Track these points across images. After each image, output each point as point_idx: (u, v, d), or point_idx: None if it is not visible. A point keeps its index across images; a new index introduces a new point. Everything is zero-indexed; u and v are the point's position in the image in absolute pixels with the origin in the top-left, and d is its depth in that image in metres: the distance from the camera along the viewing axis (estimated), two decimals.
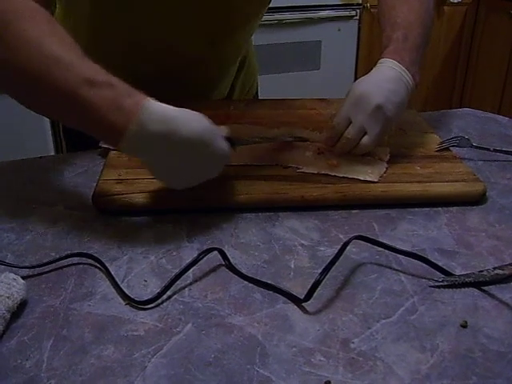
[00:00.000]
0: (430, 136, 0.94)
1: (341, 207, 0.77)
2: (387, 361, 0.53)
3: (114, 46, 0.96)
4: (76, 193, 0.81)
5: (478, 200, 0.79)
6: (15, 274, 0.60)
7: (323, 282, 0.61)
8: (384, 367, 0.52)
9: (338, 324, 0.57)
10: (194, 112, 0.70)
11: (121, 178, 0.79)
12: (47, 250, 0.68)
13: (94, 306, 0.60)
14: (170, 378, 0.51)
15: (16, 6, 0.70)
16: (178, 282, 0.62)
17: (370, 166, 0.83)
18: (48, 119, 2.04)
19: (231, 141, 0.74)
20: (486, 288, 0.63)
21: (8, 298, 0.56)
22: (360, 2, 2.68)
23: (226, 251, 0.66)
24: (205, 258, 0.65)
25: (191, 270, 0.64)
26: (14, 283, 0.58)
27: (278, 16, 2.55)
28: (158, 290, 0.61)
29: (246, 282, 0.63)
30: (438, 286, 0.63)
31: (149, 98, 0.68)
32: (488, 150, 0.90)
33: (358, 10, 2.70)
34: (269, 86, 2.46)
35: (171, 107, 0.69)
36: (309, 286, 0.60)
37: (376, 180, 0.80)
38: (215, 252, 0.66)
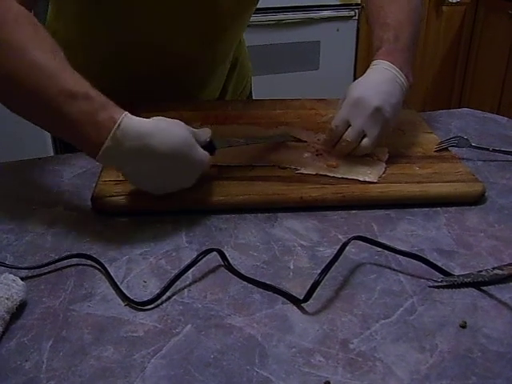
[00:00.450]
0: (429, 136, 0.94)
1: (340, 208, 0.77)
2: (386, 361, 0.53)
3: (103, 46, 0.97)
4: (75, 194, 0.81)
5: (477, 200, 0.79)
6: (14, 275, 0.60)
7: (322, 282, 0.61)
8: (383, 367, 0.52)
9: (338, 324, 0.57)
10: (171, 122, 0.71)
11: (120, 179, 0.79)
12: (46, 251, 0.68)
13: (93, 306, 0.60)
14: (170, 378, 0.51)
15: (0, 11, 0.70)
16: (177, 283, 0.62)
17: (369, 166, 0.83)
18: None
19: (213, 144, 0.75)
20: (485, 288, 0.63)
21: (7, 299, 0.56)
22: (359, 2, 2.68)
23: (225, 252, 0.66)
24: (204, 259, 0.66)
25: (190, 270, 0.64)
26: (14, 284, 0.58)
27: (276, 16, 2.55)
28: (158, 291, 0.61)
29: (245, 283, 0.63)
30: (437, 287, 0.63)
31: (124, 112, 0.69)
32: (487, 150, 0.90)
33: (356, 10, 2.70)
34: (267, 86, 2.48)
35: (146, 121, 0.69)
36: (308, 287, 0.60)
37: (375, 180, 0.80)
38: (214, 253, 0.66)
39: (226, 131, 0.90)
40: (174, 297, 0.61)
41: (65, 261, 0.66)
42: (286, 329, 0.57)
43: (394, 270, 0.66)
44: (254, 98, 1.29)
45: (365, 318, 0.58)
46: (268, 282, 0.62)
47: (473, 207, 0.78)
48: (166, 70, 1.00)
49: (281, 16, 2.56)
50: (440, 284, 0.63)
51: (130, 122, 0.68)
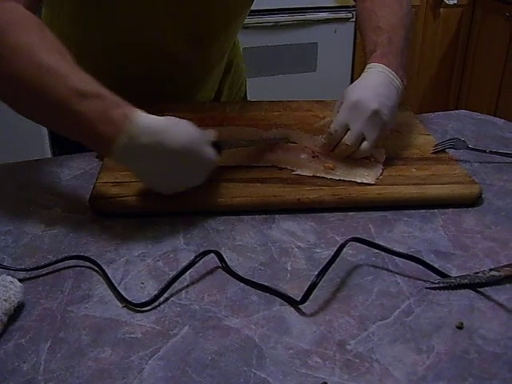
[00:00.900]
0: (426, 138, 0.94)
1: (337, 209, 0.77)
2: (383, 362, 0.53)
3: (98, 46, 0.97)
4: (73, 195, 0.81)
5: (473, 202, 0.79)
6: (12, 276, 0.60)
7: (320, 284, 0.61)
8: (380, 369, 0.53)
9: (335, 326, 0.58)
10: (182, 120, 0.72)
11: (118, 180, 0.79)
12: (44, 252, 0.68)
13: (91, 308, 0.60)
14: (168, 380, 0.51)
15: (6, 13, 0.70)
16: (174, 285, 0.63)
17: (367, 168, 0.83)
18: None
19: (218, 145, 0.76)
20: (481, 289, 0.63)
21: (5, 300, 0.56)
22: None
23: (222, 253, 0.66)
24: (202, 261, 0.66)
25: (188, 272, 0.64)
26: (11, 286, 0.58)
27: (274, 18, 2.55)
28: (155, 293, 0.61)
29: (242, 285, 0.63)
30: (434, 288, 0.63)
31: (137, 109, 0.69)
32: (484, 151, 0.90)
33: (353, 12, 2.69)
34: (265, 88, 2.48)
35: (159, 118, 0.70)
36: (305, 288, 0.60)
37: (372, 182, 0.80)
38: (212, 254, 0.66)
39: (224, 133, 0.90)
40: (172, 298, 0.61)
41: (62, 262, 0.66)
42: (284, 330, 0.57)
43: (391, 271, 0.66)
44: (251, 99, 1.30)
45: (362, 319, 0.58)
46: (265, 284, 0.63)
47: (470, 209, 0.78)
48: (160, 71, 1.00)
49: (278, 18, 2.57)
50: (437, 285, 0.63)
51: (144, 118, 0.69)
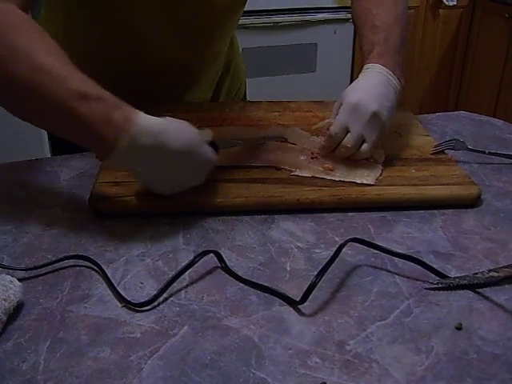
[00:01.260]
0: (426, 139, 0.94)
1: (336, 210, 0.77)
2: (382, 363, 0.53)
3: (90, 46, 0.97)
4: (72, 195, 0.81)
5: (473, 203, 0.79)
6: (12, 276, 0.60)
7: (319, 284, 0.61)
8: (379, 369, 0.53)
9: (334, 326, 0.58)
10: (181, 121, 0.72)
11: (117, 180, 0.79)
12: (44, 252, 0.68)
13: (90, 308, 0.60)
14: (167, 380, 0.51)
15: (2, 15, 0.70)
16: (174, 285, 0.63)
17: (366, 168, 0.83)
18: None
19: (215, 144, 0.76)
20: (480, 290, 0.63)
21: (4, 300, 0.56)
22: None
23: (222, 254, 0.67)
24: (201, 261, 0.66)
25: (187, 272, 0.64)
26: (11, 285, 0.58)
27: (274, 18, 2.55)
28: (155, 293, 0.61)
29: (242, 285, 0.63)
30: (433, 289, 0.63)
31: (137, 111, 0.69)
32: (483, 152, 0.91)
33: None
34: (265, 88, 2.48)
35: (159, 119, 0.70)
36: (304, 289, 0.60)
37: (372, 183, 0.80)
38: (211, 254, 0.66)
39: (224, 133, 0.91)
40: (171, 298, 0.61)
41: (62, 262, 0.66)
42: (283, 330, 0.57)
43: (390, 272, 0.66)
44: (251, 100, 1.29)
45: (361, 319, 0.59)
46: (265, 284, 0.63)
47: (469, 210, 0.78)
48: (156, 70, 1.00)
49: (278, 18, 2.57)
50: (436, 286, 0.63)
51: (145, 120, 0.69)
